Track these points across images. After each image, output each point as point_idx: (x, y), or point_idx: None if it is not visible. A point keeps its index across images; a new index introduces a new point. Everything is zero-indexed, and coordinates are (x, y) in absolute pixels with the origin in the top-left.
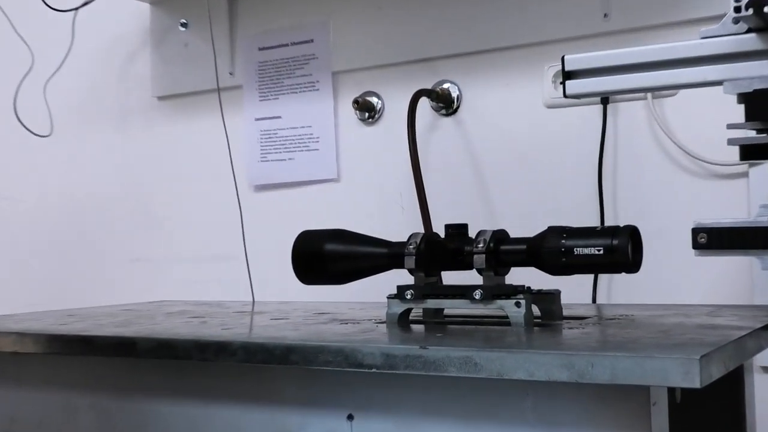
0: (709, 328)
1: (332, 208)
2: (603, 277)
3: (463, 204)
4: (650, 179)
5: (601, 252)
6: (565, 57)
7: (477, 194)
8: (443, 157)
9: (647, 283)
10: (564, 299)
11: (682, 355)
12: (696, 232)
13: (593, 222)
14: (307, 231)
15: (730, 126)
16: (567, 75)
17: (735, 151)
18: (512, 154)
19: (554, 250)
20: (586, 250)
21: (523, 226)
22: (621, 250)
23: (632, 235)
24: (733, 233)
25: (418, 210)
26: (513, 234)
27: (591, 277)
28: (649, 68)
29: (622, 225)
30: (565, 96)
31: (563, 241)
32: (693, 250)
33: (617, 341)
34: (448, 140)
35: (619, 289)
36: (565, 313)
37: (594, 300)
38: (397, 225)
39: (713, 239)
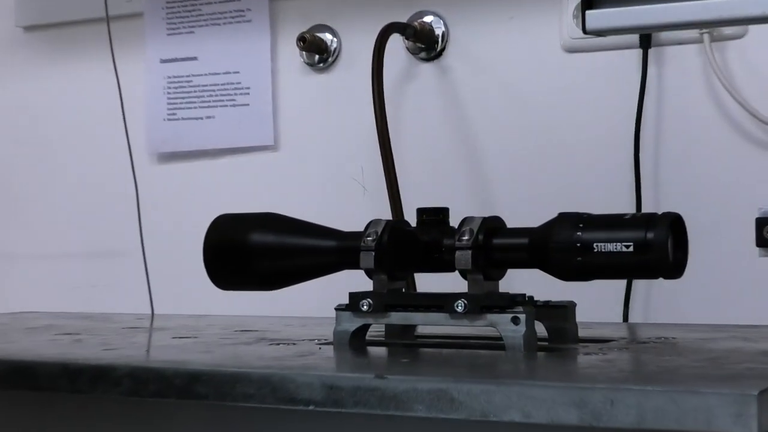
0: None
1: (266, 186)
2: (638, 286)
3: (445, 182)
4: (704, 152)
5: (631, 249)
6: None
7: (465, 169)
8: (421, 117)
9: (696, 294)
10: (581, 315)
11: (735, 390)
12: (762, 223)
13: (626, 210)
14: (226, 215)
15: None
16: (588, 2)
17: None
18: (516, 115)
19: (567, 245)
20: (611, 247)
21: (527, 214)
22: (658, 246)
23: (674, 225)
24: None
25: (385, 190)
26: (512, 223)
27: (620, 285)
28: None
29: (660, 213)
30: (584, 31)
31: (579, 233)
32: (757, 249)
33: (648, 371)
34: (428, 94)
35: (660, 303)
36: (582, 333)
37: (625, 317)
38: (356, 210)
39: None
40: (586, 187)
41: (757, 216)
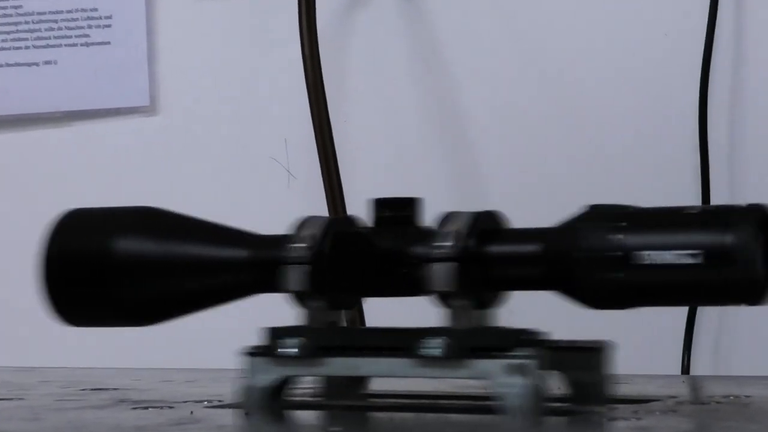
0: None
1: (139, 168)
2: (707, 319)
3: (412, 164)
4: None
5: (700, 260)
6: None
7: (442, 145)
8: (375, 66)
9: None
10: (624, 363)
11: None
12: None
13: (686, 202)
14: (77, 212)
15: None
16: None
17: None
18: (519, 65)
19: (600, 255)
20: (669, 257)
21: (535, 210)
22: (743, 254)
23: (764, 223)
24: None
25: (320, 176)
26: (517, 222)
27: (680, 317)
28: None
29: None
30: None
31: (620, 236)
32: None
33: None
34: (386, 31)
35: (739, 345)
36: (625, 389)
37: (686, 367)
38: (277, 205)
39: None
40: (624, 170)
41: None
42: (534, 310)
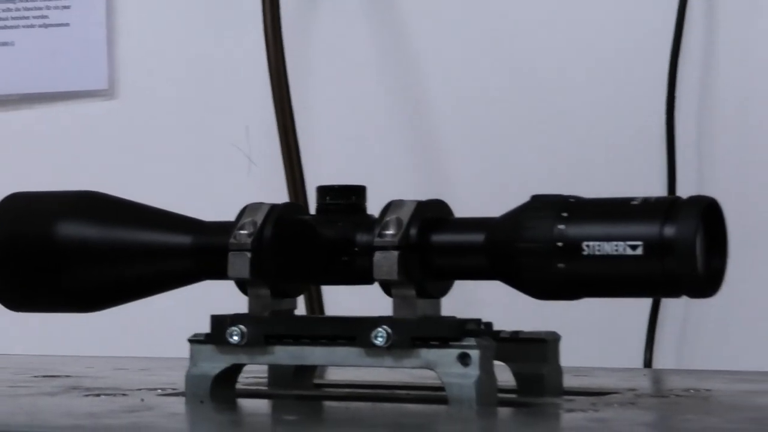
0: None
1: (95, 154)
2: (671, 312)
3: (371, 151)
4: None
5: (640, 251)
6: None
7: (403, 131)
8: (340, 51)
9: (754, 328)
10: (582, 356)
11: None
12: None
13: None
14: (20, 195)
15: None
16: None
17: None
18: (485, 48)
19: (543, 245)
20: (609, 247)
21: (490, 200)
22: (682, 246)
23: (707, 216)
24: None
25: (281, 165)
26: (465, 212)
27: (644, 308)
28: None
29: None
30: None
31: (562, 226)
32: None
33: None
34: (349, 15)
35: (704, 340)
36: (573, 382)
37: (648, 360)
38: (238, 193)
39: None
40: (585, 161)
41: None
42: (483, 301)
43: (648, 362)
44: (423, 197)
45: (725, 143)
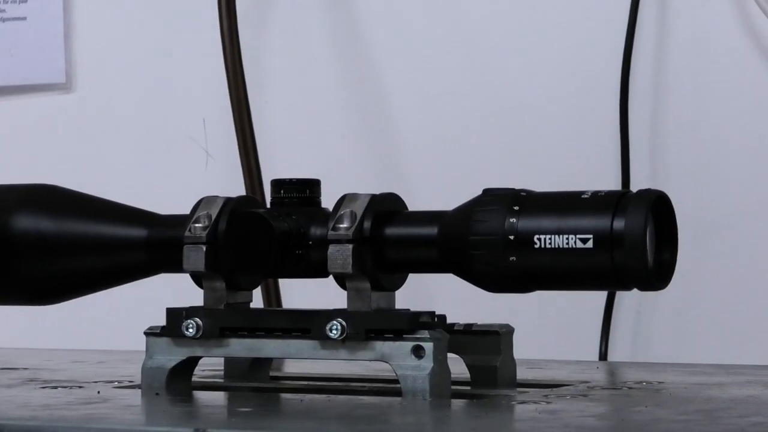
0: None
1: (52, 147)
2: (625, 305)
3: (329, 146)
4: (728, 96)
5: (590, 244)
6: None
7: (359, 125)
8: (294, 42)
9: (709, 323)
10: (538, 349)
11: None
12: None
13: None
14: None
15: None
16: None
17: None
18: (440, 42)
19: (494, 238)
20: (560, 240)
21: (446, 194)
22: (631, 238)
23: (656, 209)
24: None
25: (238, 158)
26: (420, 205)
27: (599, 301)
28: None
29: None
30: None
31: (513, 219)
32: None
33: (604, 427)
34: (308, 7)
35: (661, 333)
36: (527, 374)
37: (603, 353)
38: (195, 186)
39: None
40: (538, 153)
41: None
42: (439, 294)
43: (603, 355)
44: (377, 191)
45: (677, 137)
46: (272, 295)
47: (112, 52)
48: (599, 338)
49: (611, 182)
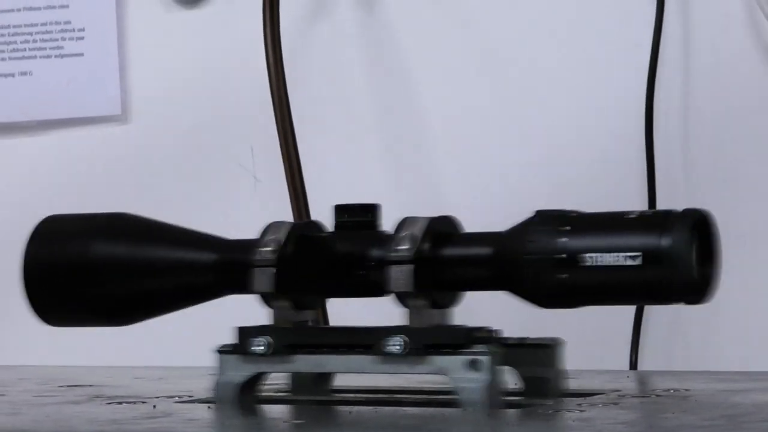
0: None
1: (111, 175)
2: (656, 317)
3: (373, 170)
4: (747, 131)
5: (639, 261)
6: None
7: (403, 151)
8: (338, 74)
9: (734, 330)
10: (580, 359)
11: None
12: None
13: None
14: (54, 218)
15: None
16: None
17: None
18: (477, 73)
19: (545, 257)
20: (609, 258)
21: (492, 216)
22: (678, 256)
23: (700, 228)
24: None
25: (284, 181)
26: (470, 227)
27: (626, 315)
28: None
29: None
30: None
31: (564, 239)
32: None
33: None
34: (348, 40)
35: (688, 342)
36: (573, 383)
37: (633, 362)
38: (245, 209)
39: None
40: (574, 177)
41: None
42: (491, 310)
43: (633, 364)
44: (415, 210)
45: (701, 161)
46: (319, 314)
47: (165, 85)
48: (629, 349)
49: (635, 203)
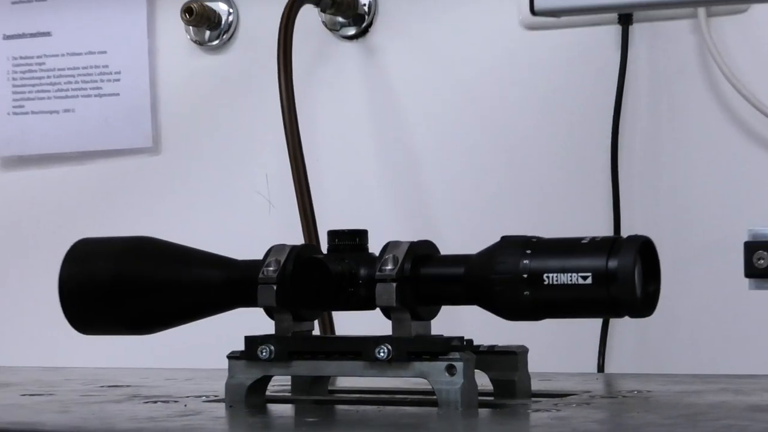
0: (765, 411)
1: (142, 201)
2: (618, 327)
3: (372, 197)
4: (700, 155)
5: (589, 280)
6: None
7: (397, 180)
8: (342, 112)
9: (687, 338)
10: (549, 364)
11: None
12: (751, 248)
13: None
14: (88, 240)
15: None
16: None
17: None
18: (460, 110)
19: (511, 276)
20: (565, 278)
21: (473, 241)
22: (623, 276)
23: (643, 251)
24: None
25: (296, 207)
26: (451, 249)
27: (594, 323)
28: None
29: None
30: (533, 12)
31: (526, 261)
32: (746, 280)
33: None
34: (350, 82)
35: (646, 348)
36: (540, 386)
37: (600, 366)
38: (260, 232)
39: None
40: (545, 204)
41: (745, 239)
42: (466, 322)
43: (601, 367)
44: (408, 234)
45: (663, 186)
46: (327, 324)
47: (191, 121)
48: (597, 353)
49: (604, 226)
